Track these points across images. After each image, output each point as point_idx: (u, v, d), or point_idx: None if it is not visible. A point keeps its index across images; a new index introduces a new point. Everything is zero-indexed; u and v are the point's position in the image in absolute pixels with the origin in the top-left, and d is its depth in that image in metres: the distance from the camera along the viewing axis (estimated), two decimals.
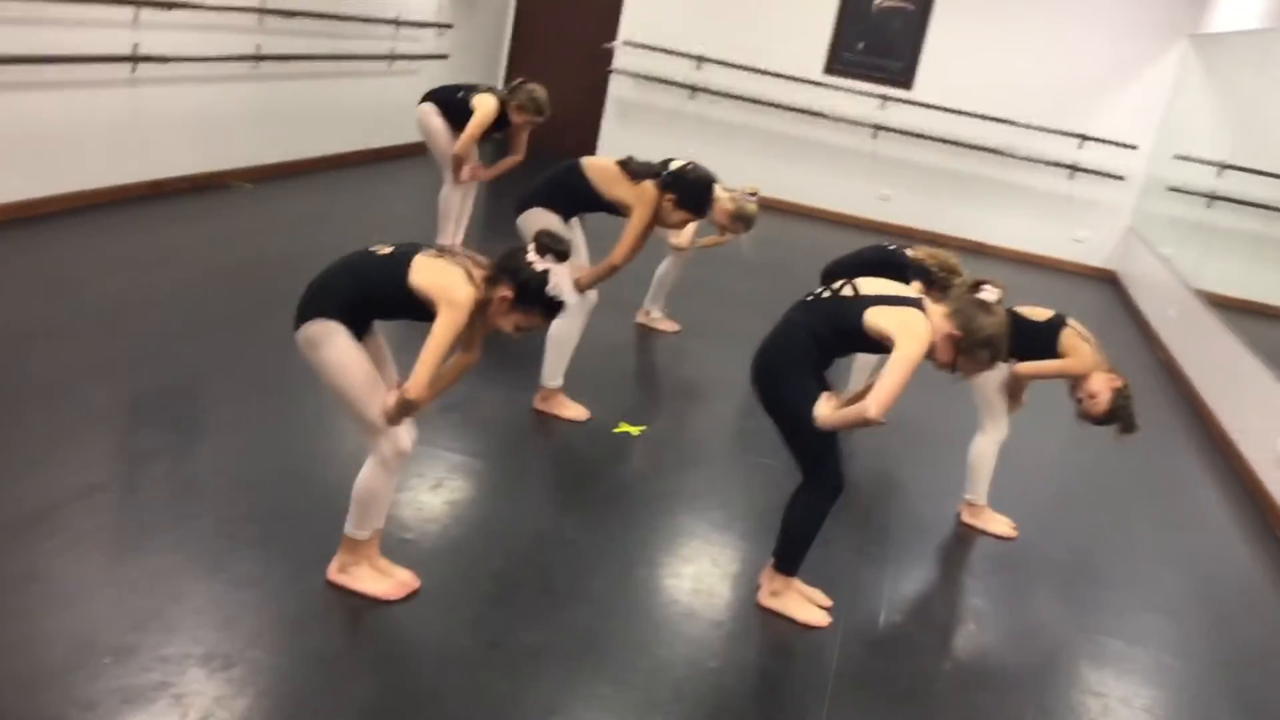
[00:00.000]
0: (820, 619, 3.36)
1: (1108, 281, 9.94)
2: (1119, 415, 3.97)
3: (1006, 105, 9.82)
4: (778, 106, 10.23)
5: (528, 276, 2.82)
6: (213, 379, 4.34)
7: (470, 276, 2.84)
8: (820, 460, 3.20)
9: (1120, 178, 9.75)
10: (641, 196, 4.23)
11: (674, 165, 4.38)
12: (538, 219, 4.35)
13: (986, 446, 4.20)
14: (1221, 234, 8.06)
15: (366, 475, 2.98)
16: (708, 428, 4.92)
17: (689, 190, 4.27)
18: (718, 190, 5.39)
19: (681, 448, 4.58)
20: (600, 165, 4.39)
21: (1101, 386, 3.93)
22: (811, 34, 10.16)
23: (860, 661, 3.26)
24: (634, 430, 4.60)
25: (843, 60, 10.18)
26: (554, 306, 2.89)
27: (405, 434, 2.94)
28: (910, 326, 3.02)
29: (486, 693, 2.77)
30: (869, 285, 3.20)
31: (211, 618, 2.81)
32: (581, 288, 4.30)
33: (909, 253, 4.70)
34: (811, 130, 10.30)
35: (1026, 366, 4.05)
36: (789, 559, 3.34)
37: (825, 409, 3.09)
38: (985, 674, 3.34)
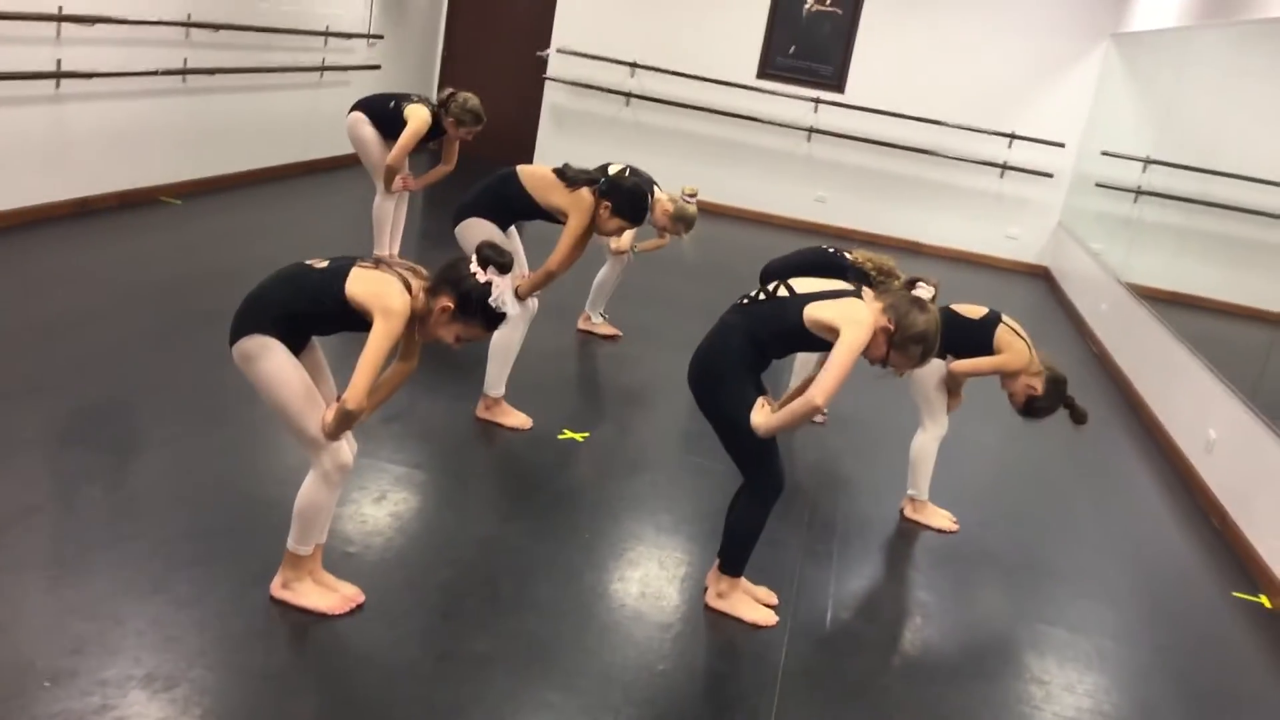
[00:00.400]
0: (768, 618, 3.38)
1: (1040, 277, 10.12)
2: (1065, 405, 4.05)
3: (936, 106, 9.97)
4: (712, 111, 10.29)
5: (469, 288, 2.81)
6: (146, 396, 4.26)
7: (407, 286, 2.82)
8: (759, 462, 3.22)
9: (1049, 175, 9.95)
10: (578, 204, 4.24)
11: (612, 170, 4.40)
12: (476, 229, 4.34)
13: (927, 443, 4.26)
14: (1148, 228, 8.26)
15: (308, 490, 2.94)
16: (651, 432, 4.93)
17: (625, 198, 4.28)
18: (657, 193, 5.46)
19: (626, 453, 4.59)
20: (537, 173, 4.39)
21: (1019, 388, 4.02)
22: (743, 39, 10.24)
23: (808, 659, 3.29)
24: (578, 436, 4.59)
25: (775, 64, 10.27)
26: (495, 318, 2.88)
27: (346, 448, 2.92)
28: (852, 314, 3.07)
29: (435, 704, 2.75)
30: (804, 284, 3.23)
31: (153, 638, 2.76)
32: (520, 295, 4.29)
33: (848, 255, 4.76)
34: (747, 134, 10.37)
35: (962, 365, 4.11)
36: (734, 560, 3.36)
37: (761, 417, 3.12)
38: (932, 667, 3.39)
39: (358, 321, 2.82)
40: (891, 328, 3.07)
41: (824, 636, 3.44)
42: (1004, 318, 4.15)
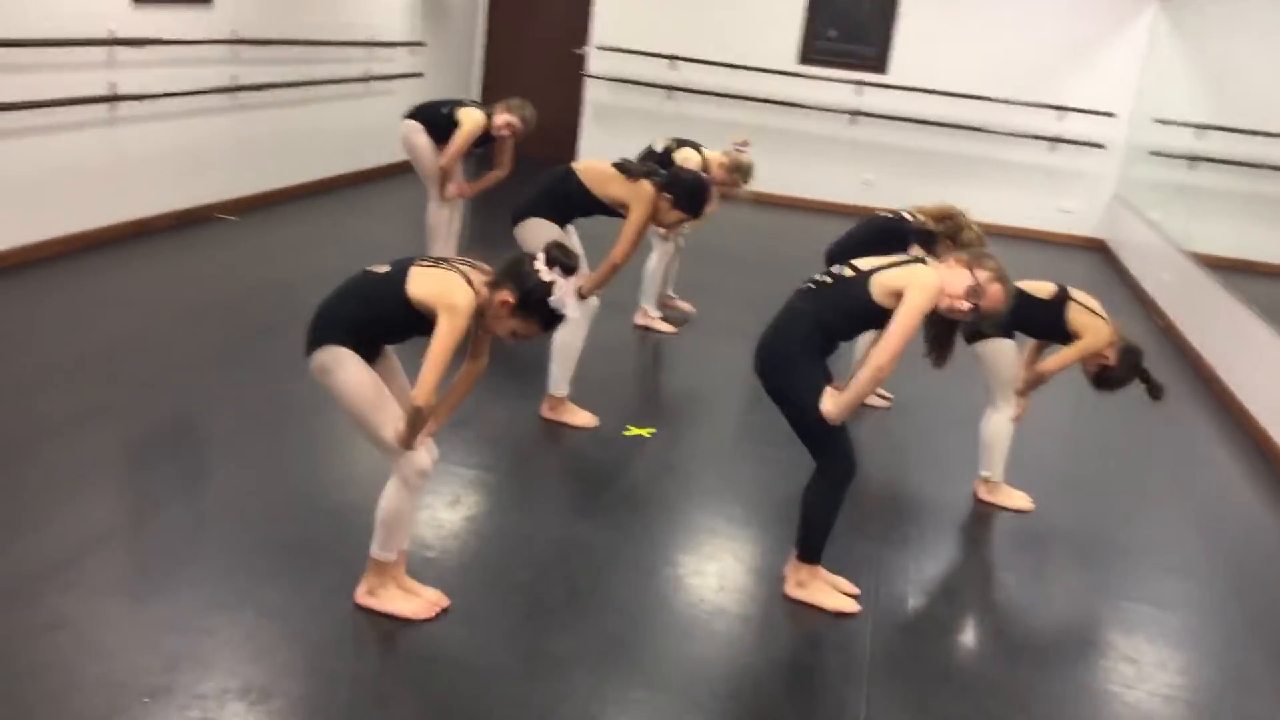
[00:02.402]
0: (850, 606, 3.35)
1: (1097, 250, 9.96)
2: (1140, 379, 3.98)
3: (982, 82, 9.84)
4: (755, 100, 10.23)
5: (532, 285, 2.81)
6: (217, 412, 4.32)
7: (469, 281, 2.83)
8: (831, 446, 3.20)
9: (1101, 146, 9.78)
10: (639, 196, 4.25)
11: (659, 145, 4.38)
12: (536, 228, 4.35)
13: (1001, 423, 4.20)
14: (1208, 194, 8.09)
15: (389, 496, 2.96)
16: (715, 425, 4.91)
17: (685, 191, 4.29)
18: (707, 152, 5.73)
19: (692, 447, 4.57)
20: (594, 168, 4.40)
21: (1112, 352, 3.95)
22: (783, 25, 10.17)
23: (893, 646, 3.25)
24: (644, 432, 4.59)
25: (816, 49, 10.19)
26: (554, 318, 2.87)
27: (425, 453, 2.93)
28: (918, 276, 3.05)
29: (525, 704, 2.75)
30: (867, 262, 3.21)
31: (245, 651, 2.79)
32: (585, 293, 4.30)
33: (906, 215, 4.77)
34: (790, 121, 10.30)
35: (1052, 364, 4.06)
36: (811, 548, 3.33)
37: (831, 404, 3.10)
38: (1019, 650, 3.34)
39: (426, 323, 2.82)
40: (964, 279, 3.06)
41: (907, 623, 3.40)
42: (1072, 293, 4.08)
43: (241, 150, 7.53)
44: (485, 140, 6.09)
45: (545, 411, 4.60)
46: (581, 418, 4.59)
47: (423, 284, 2.83)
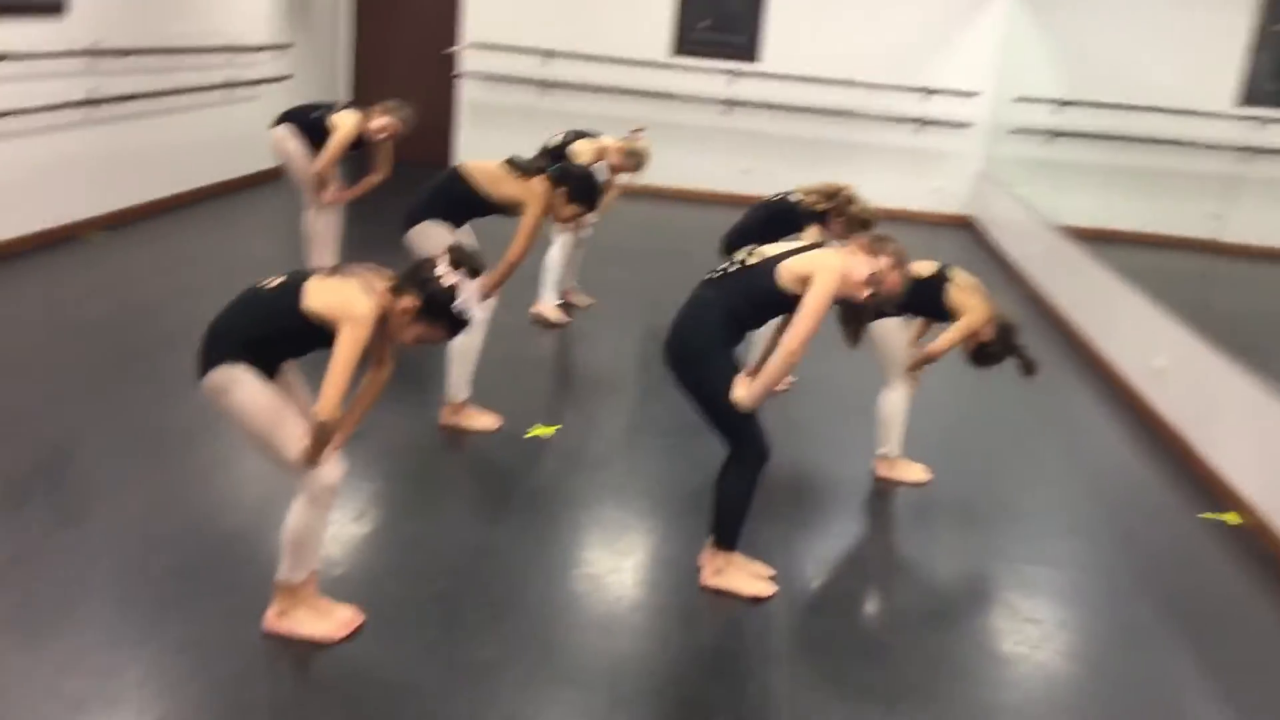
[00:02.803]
0: (766, 590, 3.40)
1: (965, 227, 10.27)
2: (1015, 355, 4.11)
3: (851, 68, 10.04)
4: (631, 92, 10.25)
5: (436, 289, 2.77)
6: (96, 439, 4.13)
7: (370, 289, 2.77)
8: (744, 432, 3.23)
9: (966, 125, 10.08)
10: (533, 193, 4.23)
11: (554, 140, 4.39)
12: (430, 232, 4.29)
13: (895, 400, 4.31)
14: (1070, 168, 8.43)
15: (297, 516, 2.88)
16: (618, 418, 4.91)
17: (579, 184, 4.29)
18: (604, 140, 5.93)
19: (597, 442, 4.57)
20: (484, 168, 4.36)
21: (989, 329, 4.07)
22: (655, 16, 10.21)
23: (811, 625, 3.31)
24: (547, 430, 4.56)
25: (689, 40, 10.26)
26: (459, 322, 2.84)
27: (332, 468, 2.86)
28: (824, 261, 3.11)
29: (451, 717, 2.71)
30: (772, 249, 3.25)
31: (153, 687, 2.69)
32: (483, 294, 4.25)
33: (792, 199, 4.91)
34: (667, 112, 10.35)
35: (938, 347, 4.14)
36: (727, 535, 3.37)
37: (744, 391, 3.14)
38: (931, 617, 3.43)
39: (325, 336, 2.76)
40: (866, 263, 3.12)
41: (822, 601, 3.47)
42: (951, 273, 4.19)
43: (105, 165, 7.22)
44: (361, 143, 5.97)
45: (446, 417, 4.54)
46: (484, 420, 4.54)
47: (320, 296, 2.76)
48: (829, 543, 3.88)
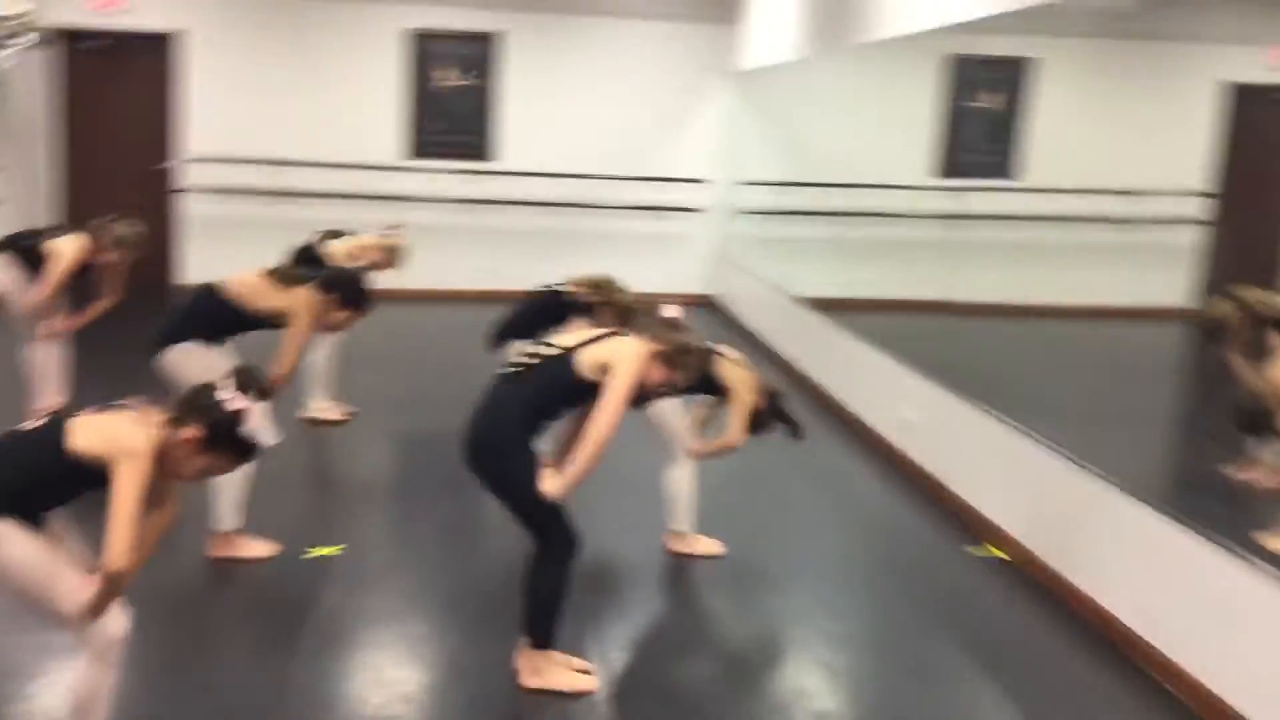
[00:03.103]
0: (588, 684, 3.34)
1: (708, 306, 10.69)
2: (784, 420, 4.29)
3: (586, 162, 10.34)
4: (366, 197, 10.13)
5: (221, 416, 2.60)
6: None
7: (143, 421, 2.57)
8: (552, 524, 3.20)
9: (700, 210, 10.56)
10: (301, 303, 4.08)
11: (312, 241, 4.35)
12: (188, 355, 4.05)
13: (681, 476, 4.38)
14: (797, 245, 8.99)
15: (83, 677, 2.61)
16: (399, 525, 4.74)
17: (350, 289, 4.18)
18: (363, 238, 5.96)
19: (382, 552, 4.38)
20: (246, 282, 4.20)
21: (760, 400, 4.23)
22: (387, 121, 10.20)
23: (638, 709, 3.27)
24: (330, 551, 4.34)
25: (423, 142, 10.28)
26: (249, 450, 2.67)
27: (116, 620, 2.61)
28: (622, 349, 3.12)
29: None
30: (565, 339, 3.26)
31: None
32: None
33: (561, 289, 4.99)
34: (406, 215, 10.27)
35: (732, 431, 4.16)
36: (544, 632, 3.29)
37: (552, 483, 3.11)
38: (746, 684, 3.47)
39: (94, 477, 2.53)
40: (664, 347, 3.16)
41: (641, 684, 3.44)
42: (717, 348, 4.33)
43: None
44: (86, 267, 5.57)
45: (215, 549, 4.23)
46: (258, 548, 4.26)
47: (87, 435, 2.53)
48: (638, 624, 3.87)
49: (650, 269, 10.67)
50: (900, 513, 5.20)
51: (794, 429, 4.29)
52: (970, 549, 4.64)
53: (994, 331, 6.82)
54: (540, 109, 10.31)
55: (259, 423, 2.63)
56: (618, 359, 3.12)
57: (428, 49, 10.19)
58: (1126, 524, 3.91)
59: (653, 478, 4.48)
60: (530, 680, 3.31)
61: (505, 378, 3.26)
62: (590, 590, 4.09)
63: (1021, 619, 4.11)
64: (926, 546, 4.78)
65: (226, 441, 2.61)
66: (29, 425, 2.60)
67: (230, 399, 2.61)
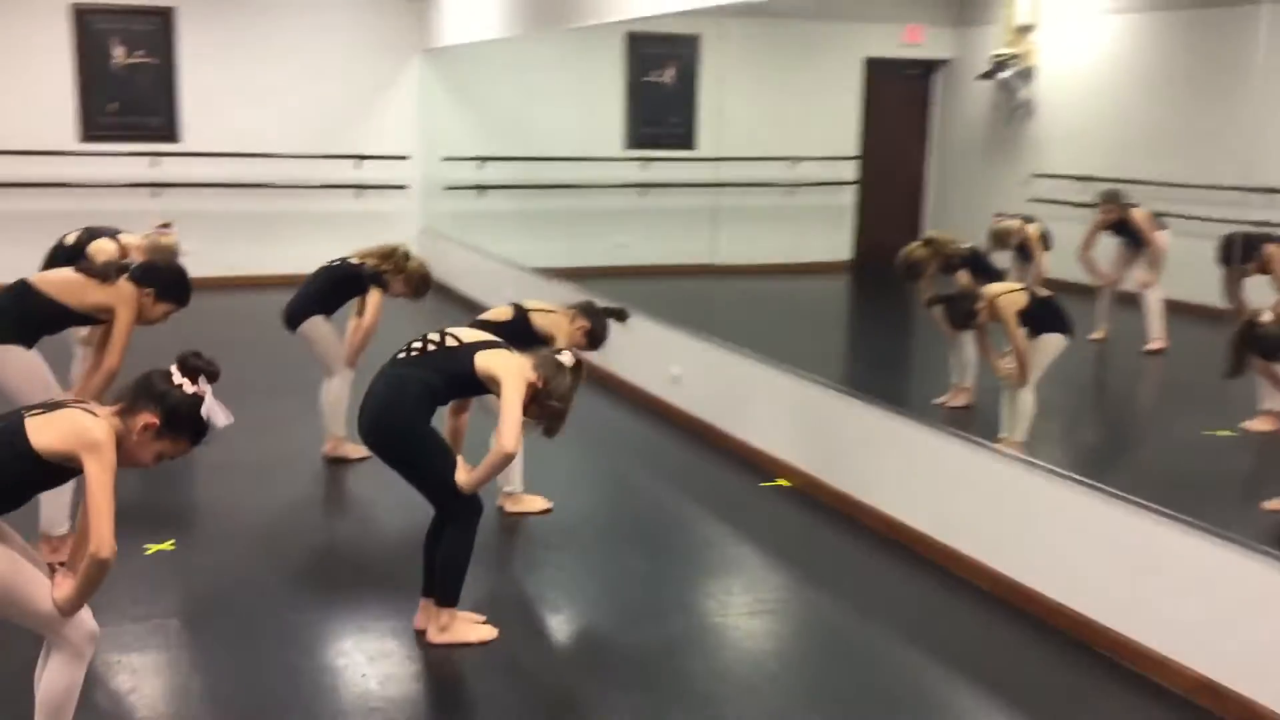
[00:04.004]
0: (491, 633, 3.59)
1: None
2: (614, 317, 4.64)
3: (282, 140, 10.08)
4: (35, 185, 9.35)
5: (176, 400, 2.64)
6: None
7: (95, 413, 2.59)
8: (455, 493, 3.41)
9: (404, 187, 10.60)
10: (122, 297, 3.99)
11: (69, 241, 4.75)
12: (7, 357, 3.85)
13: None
14: (501, 216, 9.45)
15: (57, 675, 2.60)
16: (242, 524, 4.70)
17: (168, 281, 4.11)
18: (126, 238, 5.65)
19: (233, 553, 4.36)
20: (61, 278, 4.09)
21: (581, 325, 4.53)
22: (55, 103, 9.44)
23: (532, 647, 3.59)
24: (166, 546, 4.26)
25: (98, 125, 9.61)
26: (203, 430, 2.73)
27: (87, 614, 2.60)
28: (511, 365, 3.37)
29: None
30: (467, 334, 3.49)
31: None
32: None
33: (353, 262, 5.16)
34: (81, 202, 9.58)
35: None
36: (451, 592, 3.52)
37: (464, 475, 3.36)
38: (635, 621, 3.87)
39: (57, 475, 2.54)
40: (540, 384, 3.40)
41: (538, 628, 3.76)
42: (526, 304, 4.61)
43: None
44: None
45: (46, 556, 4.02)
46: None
47: (48, 432, 2.52)
48: (506, 578, 4.16)
49: (355, 247, 10.59)
50: (696, 461, 5.63)
51: (618, 314, 4.59)
52: (764, 484, 5.25)
53: (696, 290, 7.62)
54: (225, 87, 9.94)
55: (211, 405, 2.69)
56: (505, 377, 3.32)
57: (97, 26, 9.52)
58: (891, 438, 4.65)
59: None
60: (438, 637, 3.53)
61: (403, 361, 3.44)
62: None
63: (816, 531, 4.74)
64: (728, 484, 5.29)
65: (182, 425, 2.65)
66: None
67: (183, 384, 2.65)
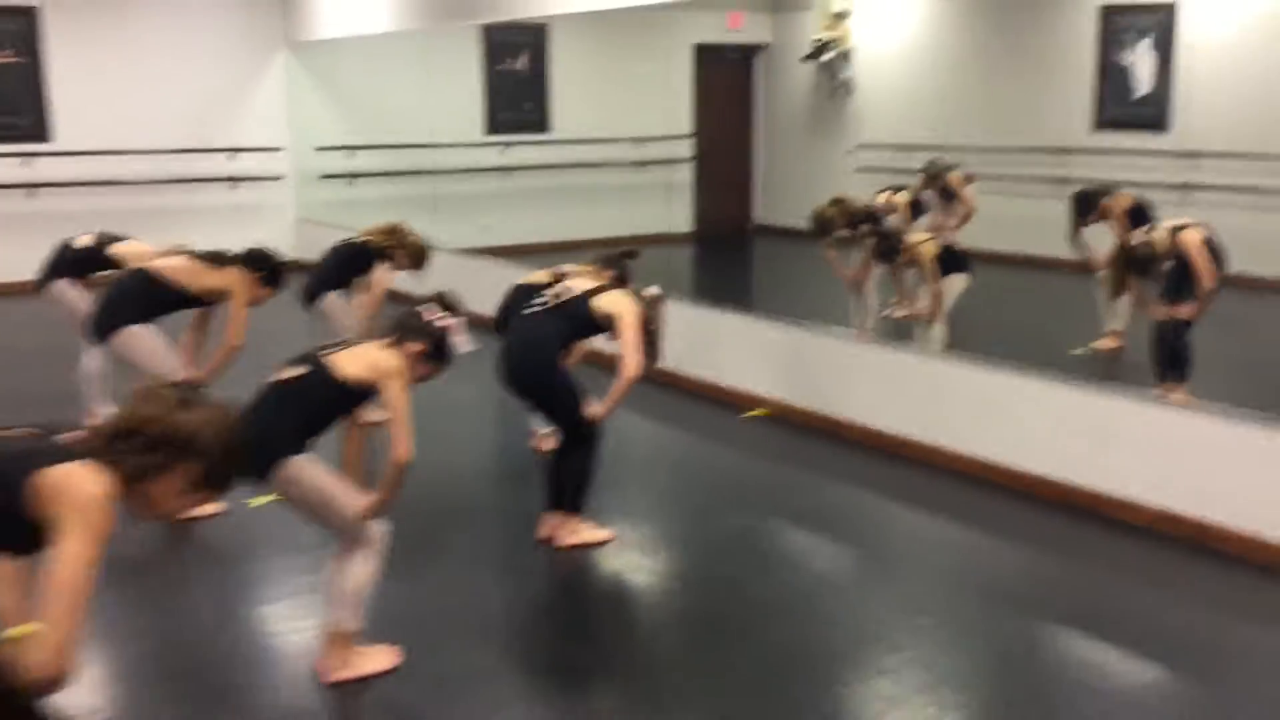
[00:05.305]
0: (608, 534, 4.39)
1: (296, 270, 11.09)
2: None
3: (150, 136, 10.16)
4: None
5: (437, 332, 3.33)
6: None
7: (382, 346, 3.27)
8: (584, 422, 4.20)
9: (278, 178, 10.87)
10: (236, 281, 4.51)
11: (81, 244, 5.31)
12: (137, 337, 4.34)
13: None
14: (377, 202, 10.13)
15: (361, 567, 3.23)
16: None
17: (271, 265, 4.64)
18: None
19: None
20: (178, 264, 4.54)
21: None
22: None
23: (642, 562, 4.45)
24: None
25: None
26: (451, 358, 3.42)
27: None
28: (626, 303, 4.17)
29: None
30: (577, 285, 4.25)
31: None
32: (208, 380, 4.40)
33: (358, 241, 5.73)
34: None
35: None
36: (581, 502, 4.32)
37: (594, 409, 4.16)
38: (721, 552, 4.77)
39: (358, 400, 3.26)
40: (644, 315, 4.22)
41: (642, 542, 4.57)
42: (569, 270, 5.26)
43: None
44: None
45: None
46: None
47: (352, 365, 3.19)
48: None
49: (232, 239, 10.75)
50: (673, 404, 6.40)
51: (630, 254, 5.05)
52: (744, 415, 6.20)
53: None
54: (95, 85, 9.98)
55: (461, 337, 3.39)
56: (623, 312, 4.11)
57: None
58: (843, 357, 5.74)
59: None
60: (568, 539, 4.31)
61: (533, 315, 4.19)
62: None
63: (797, 446, 5.72)
64: (713, 420, 6.14)
65: (442, 351, 3.34)
66: (292, 372, 3.15)
67: (439, 318, 3.35)
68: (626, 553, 4.34)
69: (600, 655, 3.68)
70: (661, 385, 6.77)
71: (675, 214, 11.89)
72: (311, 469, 3.10)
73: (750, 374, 6.30)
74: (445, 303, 3.41)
